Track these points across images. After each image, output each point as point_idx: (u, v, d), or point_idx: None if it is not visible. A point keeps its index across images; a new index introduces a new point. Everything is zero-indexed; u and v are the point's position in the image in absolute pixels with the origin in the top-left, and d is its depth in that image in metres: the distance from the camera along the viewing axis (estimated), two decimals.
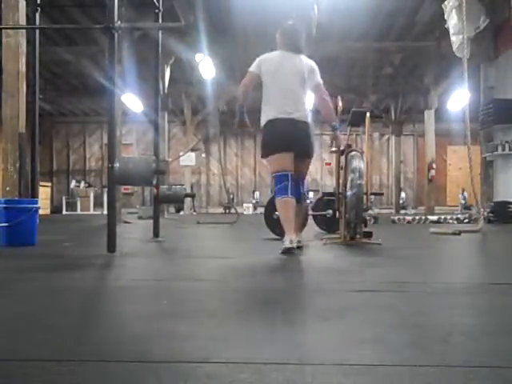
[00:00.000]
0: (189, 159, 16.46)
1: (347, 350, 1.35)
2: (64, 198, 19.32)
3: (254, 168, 21.19)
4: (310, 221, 5.46)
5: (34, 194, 5.48)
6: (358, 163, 4.39)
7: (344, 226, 4.52)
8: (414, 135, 20.47)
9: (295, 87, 4.05)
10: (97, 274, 2.97)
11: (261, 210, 15.56)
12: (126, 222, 9.13)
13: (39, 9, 5.39)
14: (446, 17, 8.12)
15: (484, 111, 9.71)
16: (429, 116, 14.88)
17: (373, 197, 9.76)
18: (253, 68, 4.11)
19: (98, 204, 18.58)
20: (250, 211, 18.46)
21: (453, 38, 7.90)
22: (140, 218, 11.22)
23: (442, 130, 17.62)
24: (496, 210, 8.94)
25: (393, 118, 18.12)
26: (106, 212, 3.96)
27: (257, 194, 20.03)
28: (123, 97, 11.61)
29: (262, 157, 4.13)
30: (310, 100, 4.34)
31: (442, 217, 9.43)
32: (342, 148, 4.62)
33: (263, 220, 5.22)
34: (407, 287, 2.38)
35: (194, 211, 17.69)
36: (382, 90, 16.63)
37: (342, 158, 4.72)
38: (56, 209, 19.01)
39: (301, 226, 4.29)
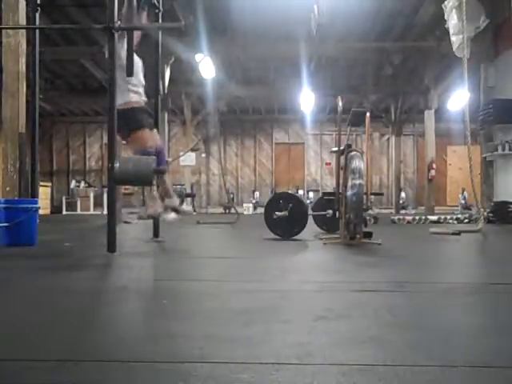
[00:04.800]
0: (189, 159, 16.46)
1: (347, 349, 1.35)
2: (64, 198, 19.31)
3: (253, 168, 21.19)
4: (310, 220, 5.46)
5: (34, 194, 5.47)
6: (358, 163, 4.39)
7: (344, 226, 4.52)
8: (414, 135, 20.47)
9: None
10: (97, 273, 2.97)
11: (261, 210, 15.55)
12: (126, 222, 9.13)
13: (39, 9, 5.38)
14: (445, 17, 8.12)
15: (484, 111, 9.70)
16: (429, 116, 14.88)
17: (373, 197, 9.74)
18: None
19: (98, 204, 18.57)
20: (250, 211, 18.46)
21: (453, 38, 7.90)
22: (140, 218, 11.20)
23: (442, 130, 17.63)
24: (496, 210, 8.93)
25: (393, 118, 18.11)
26: (106, 212, 3.96)
27: (257, 194, 20.03)
28: None
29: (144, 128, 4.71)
30: None
31: (442, 217, 9.42)
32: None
33: (263, 220, 5.22)
34: (407, 287, 2.38)
35: (194, 211, 17.69)
36: (381, 90, 16.62)
37: (342, 158, 4.72)
38: (56, 209, 19.00)
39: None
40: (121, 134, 4.52)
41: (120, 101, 4.28)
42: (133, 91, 4.68)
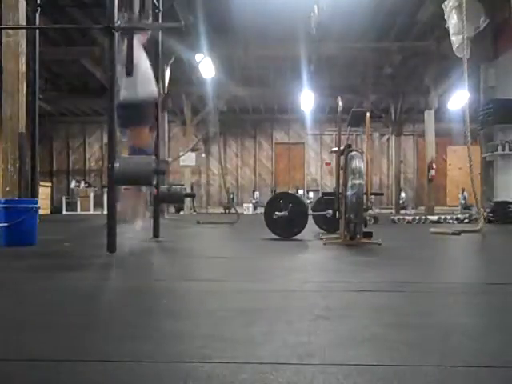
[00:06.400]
0: (189, 159, 16.47)
1: (347, 349, 1.35)
2: (64, 198, 19.33)
3: (253, 168, 21.19)
4: (310, 220, 5.46)
5: (34, 194, 5.47)
6: (358, 163, 4.39)
7: (344, 226, 4.52)
8: (414, 135, 20.49)
9: None
10: (97, 273, 2.97)
11: (261, 210, 15.55)
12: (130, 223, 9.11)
13: (39, 9, 5.38)
14: (445, 17, 8.12)
15: (484, 111, 9.71)
16: (429, 116, 14.89)
17: (373, 197, 9.74)
18: None
19: (98, 204, 18.58)
20: (250, 211, 18.48)
21: (453, 38, 7.90)
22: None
23: (442, 129, 17.63)
24: (496, 210, 8.94)
25: (393, 118, 18.12)
26: (106, 212, 3.96)
27: (257, 194, 20.04)
28: None
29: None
30: None
31: (442, 217, 9.43)
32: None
33: (263, 220, 5.22)
34: (407, 287, 2.38)
35: (194, 211, 17.69)
36: (381, 90, 16.63)
37: (342, 158, 4.72)
38: (56, 209, 19.00)
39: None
40: (125, 124, 4.53)
41: (142, 92, 4.37)
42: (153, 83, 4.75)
